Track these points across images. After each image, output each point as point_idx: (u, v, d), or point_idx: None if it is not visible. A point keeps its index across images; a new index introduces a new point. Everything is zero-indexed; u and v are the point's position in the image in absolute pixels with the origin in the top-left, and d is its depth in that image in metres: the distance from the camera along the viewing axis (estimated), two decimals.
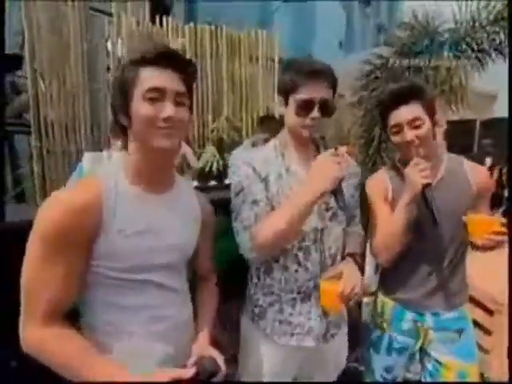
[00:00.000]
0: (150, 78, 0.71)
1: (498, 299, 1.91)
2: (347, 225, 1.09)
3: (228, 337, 1.24)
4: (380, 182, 1.21)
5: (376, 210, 1.18)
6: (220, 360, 0.78)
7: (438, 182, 1.14)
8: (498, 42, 3.18)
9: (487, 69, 3.31)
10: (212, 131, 3.62)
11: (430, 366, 1.19)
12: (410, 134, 1.07)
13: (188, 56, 3.62)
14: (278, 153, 1.00)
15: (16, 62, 4.78)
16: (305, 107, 0.91)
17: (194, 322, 0.89)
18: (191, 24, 3.71)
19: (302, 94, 0.91)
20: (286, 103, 0.96)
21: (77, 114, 3.09)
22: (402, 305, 1.21)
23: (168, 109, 0.71)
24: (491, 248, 1.04)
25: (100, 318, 0.74)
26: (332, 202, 0.96)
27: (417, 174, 1.02)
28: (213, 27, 3.77)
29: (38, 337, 0.67)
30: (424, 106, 1.07)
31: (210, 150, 3.21)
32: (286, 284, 0.99)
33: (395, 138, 1.12)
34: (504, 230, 0.98)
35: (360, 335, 1.45)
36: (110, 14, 3.23)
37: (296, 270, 0.98)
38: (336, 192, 0.87)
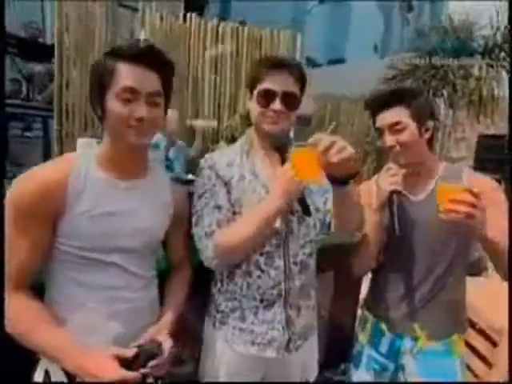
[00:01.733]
0: (126, 76, 0.71)
1: (503, 330, 1.77)
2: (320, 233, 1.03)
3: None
4: (368, 192, 1.16)
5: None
6: (166, 345, 0.78)
7: (428, 194, 1.05)
8: None
9: None
10: (226, 128, 3.64)
11: None
12: (389, 139, 1.02)
13: (211, 53, 3.67)
14: (243, 152, 0.98)
15: (51, 50, 5.08)
16: (266, 97, 0.89)
17: (158, 308, 0.90)
18: (214, 21, 3.74)
19: (264, 85, 0.90)
20: (251, 97, 0.94)
21: None
22: (382, 323, 1.14)
23: (141, 109, 0.72)
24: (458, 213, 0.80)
25: (61, 292, 0.77)
26: (296, 206, 0.91)
27: (386, 179, 0.99)
28: (235, 25, 3.79)
29: (9, 302, 0.71)
30: (410, 111, 1.01)
31: (222, 146, 3.23)
32: (248, 290, 0.95)
33: (379, 142, 1.08)
34: (470, 199, 0.80)
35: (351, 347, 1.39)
36: (136, 9, 3.33)
37: (259, 276, 0.94)
38: (300, 200, 0.85)
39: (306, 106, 4.22)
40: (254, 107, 0.93)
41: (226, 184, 0.92)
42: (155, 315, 0.88)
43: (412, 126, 1.01)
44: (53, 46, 5.00)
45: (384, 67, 3.69)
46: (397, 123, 1.01)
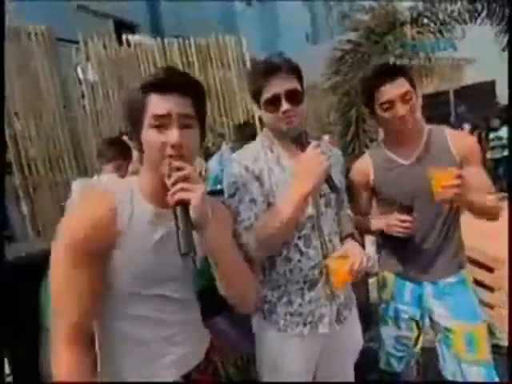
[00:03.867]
0: (155, 104, 0.71)
1: (496, 256, 1.98)
2: (338, 209, 1.12)
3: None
4: (362, 170, 1.26)
5: (357, 196, 1.26)
6: None
7: (418, 156, 1.17)
8: (456, 12, 3.29)
9: (449, 38, 3.42)
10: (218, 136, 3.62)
11: (440, 335, 1.22)
12: (403, 109, 1.09)
13: None
14: (265, 147, 1.03)
15: None
16: (273, 104, 0.95)
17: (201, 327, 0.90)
18: (158, 39, 3.73)
19: (267, 94, 0.95)
20: (259, 107, 1.01)
21: (57, 145, 3.07)
22: (401, 277, 1.25)
23: (174, 134, 0.70)
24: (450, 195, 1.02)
25: (113, 328, 0.76)
26: (325, 189, 0.99)
27: (397, 228, 1.15)
28: (180, 39, 3.80)
29: (65, 359, 0.69)
30: (409, 81, 1.11)
31: (197, 161, 3.23)
32: (292, 275, 1.00)
33: (385, 115, 1.13)
34: (458, 181, 0.98)
35: (370, 315, 1.48)
36: (77, 42, 3.23)
37: (299, 260, 1.00)
38: (327, 180, 0.91)
39: None
40: (264, 115, 1.00)
41: (257, 178, 0.97)
42: (200, 332, 0.88)
43: (414, 94, 1.11)
44: None
45: (320, 51, 3.92)
46: (407, 92, 1.09)
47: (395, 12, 3.63)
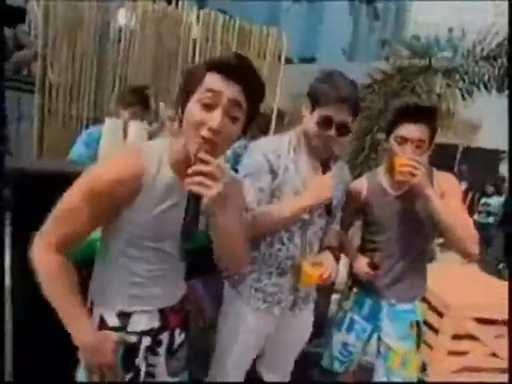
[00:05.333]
0: (212, 81, 0.71)
1: (448, 303, 2.17)
2: (328, 223, 1.25)
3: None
4: (356, 190, 1.39)
5: (345, 210, 1.37)
6: None
7: (407, 190, 1.30)
8: (487, 78, 3.45)
9: (473, 101, 3.57)
10: None
11: (382, 350, 1.41)
12: (411, 151, 1.18)
13: (198, 40, 3.68)
14: (290, 147, 1.13)
15: (19, 15, 4.63)
16: (325, 123, 1.04)
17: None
18: (206, 10, 3.76)
19: (326, 112, 1.03)
20: (311, 110, 1.07)
21: (82, 80, 3.11)
22: (364, 293, 1.42)
23: (217, 117, 0.69)
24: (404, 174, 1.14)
25: (112, 255, 0.86)
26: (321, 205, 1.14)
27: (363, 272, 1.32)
28: (227, 16, 3.84)
29: (46, 260, 0.77)
30: (429, 131, 1.20)
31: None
32: (269, 258, 1.14)
33: (395, 147, 1.23)
34: (411, 162, 1.12)
35: (324, 325, 1.65)
36: None
37: (279, 249, 1.13)
38: (327, 205, 1.10)
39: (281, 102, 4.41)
40: (311, 123, 1.07)
41: (273, 172, 1.08)
42: (181, 282, 1.00)
43: (427, 144, 1.21)
44: (20, 8, 4.53)
45: (353, 71, 4.02)
46: (421, 140, 1.19)
47: (432, 56, 3.76)
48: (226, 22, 3.82)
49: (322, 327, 1.63)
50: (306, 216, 1.12)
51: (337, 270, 1.18)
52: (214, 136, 0.69)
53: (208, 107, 0.70)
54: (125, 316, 0.87)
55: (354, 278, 1.47)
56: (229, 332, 1.19)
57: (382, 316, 1.39)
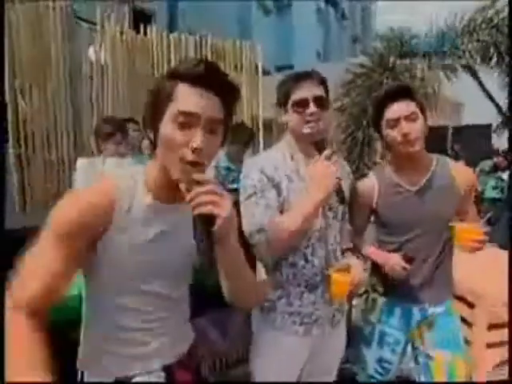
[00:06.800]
0: (186, 98, 0.64)
1: (478, 292, 2.02)
2: (343, 221, 1.18)
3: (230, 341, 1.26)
4: (367, 191, 1.27)
5: (356, 215, 1.26)
6: None
7: (425, 184, 1.20)
8: (464, 61, 3.43)
9: (459, 79, 3.55)
10: None
11: (421, 360, 1.25)
12: (407, 127, 1.13)
13: (173, 64, 3.64)
14: (286, 155, 1.09)
15: None
16: (301, 105, 1.03)
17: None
18: (175, 33, 3.74)
19: (296, 96, 1.04)
20: (286, 110, 1.07)
21: (58, 122, 3.02)
22: (391, 301, 1.28)
23: (198, 138, 0.64)
24: (476, 249, 1.14)
25: (98, 311, 0.76)
26: (333, 203, 1.07)
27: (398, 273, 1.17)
28: (197, 37, 3.82)
29: (15, 320, 0.63)
30: (416, 104, 1.17)
31: None
32: (294, 279, 1.06)
33: (390, 133, 1.17)
34: (484, 237, 1.10)
35: (349, 336, 1.49)
36: (94, 23, 3.20)
37: (303, 266, 1.06)
38: (338, 191, 0.98)
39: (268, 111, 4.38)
40: (291, 118, 1.06)
41: (276, 186, 1.02)
42: (186, 329, 0.88)
43: (421, 117, 1.16)
44: None
45: (330, 70, 4.02)
46: (413, 113, 1.14)
47: (409, 42, 3.77)
48: (197, 42, 3.80)
49: (349, 337, 1.46)
50: (320, 222, 1.06)
51: (365, 274, 1.11)
52: (197, 157, 0.65)
53: (185, 125, 0.65)
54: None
55: (376, 288, 1.33)
56: (263, 362, 1.10)
57: (414, 323, 1.25)
